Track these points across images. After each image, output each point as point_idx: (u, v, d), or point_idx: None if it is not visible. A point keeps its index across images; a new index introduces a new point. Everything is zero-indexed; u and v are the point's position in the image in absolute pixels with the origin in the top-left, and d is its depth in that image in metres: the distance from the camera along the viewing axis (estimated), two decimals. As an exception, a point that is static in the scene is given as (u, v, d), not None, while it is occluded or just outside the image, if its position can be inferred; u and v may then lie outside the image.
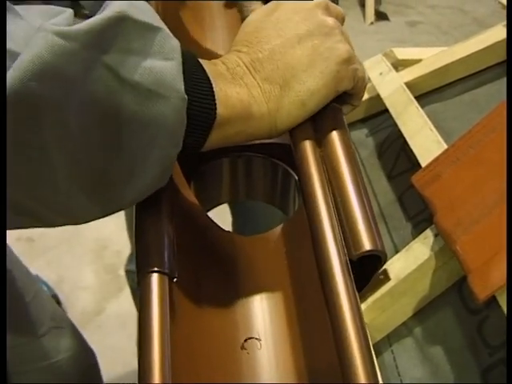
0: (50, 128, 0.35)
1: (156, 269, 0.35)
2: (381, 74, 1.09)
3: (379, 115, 1.11)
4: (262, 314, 0.38)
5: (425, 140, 0.86)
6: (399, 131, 0.96)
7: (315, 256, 0.35)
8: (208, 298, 0.38)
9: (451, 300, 0.73)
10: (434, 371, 0.68)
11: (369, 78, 1.13)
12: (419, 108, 0.93)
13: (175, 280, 0.35)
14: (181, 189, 0.42)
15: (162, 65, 0.40)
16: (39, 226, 0.42)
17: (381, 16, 3.60)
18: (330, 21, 0.50)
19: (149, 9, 0.42)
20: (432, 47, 1.16)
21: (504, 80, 0.90)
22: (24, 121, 0.34)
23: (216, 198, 0.52)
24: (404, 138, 0.93)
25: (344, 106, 0.53)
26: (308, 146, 0.44)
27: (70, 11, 0.40)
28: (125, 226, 2.01)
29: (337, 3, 0.91)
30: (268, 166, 0.48)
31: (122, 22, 0.38)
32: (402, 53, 1.13)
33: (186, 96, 0.41)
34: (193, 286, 0.37)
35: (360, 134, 1.11)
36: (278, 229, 0.43)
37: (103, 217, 0.43)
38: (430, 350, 0.70)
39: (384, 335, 0.75)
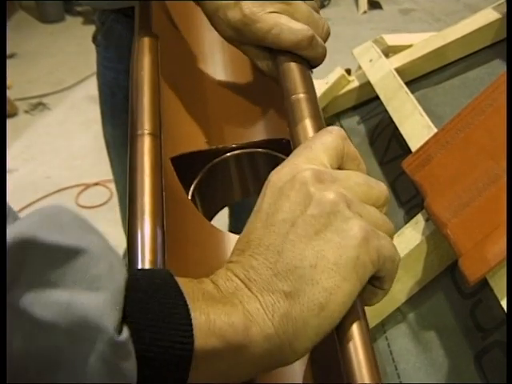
0: None
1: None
2: (371, 60, 1.08)
3: (370, 102, 1.10)
4: None
5: (415, 125, 0.86)
6: (390, 117, 0.96)
7: None
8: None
9: (444, 284, 0.72)
10: (429, 356, 0.67)
11: (359, 66, 1.13)
12: (409, 93, 0.93)
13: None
14: (175, 192, 0.41)
15: (84, 298, 0.31)
16: None
17: (374, 5, 3.60)
18: (330, 194, 0.39)
19: (72, 219, 0.33)
20: (422, 33, 1.15)
21: (494, 63, 0.90)
22: None
23: (228, 197, 0.51)
24: (395, 124, 0.93)
25: (373, 290, 0.43)
26: None
27: None
28: (120, 221, 2.01)
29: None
30: (274, 160, 0.48)
31: (27, 247, 0.30)
32: (392, 39, 1.13)
33: (125, 335, 0.32)
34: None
35: (351, 122, 1.11)
36: None
37: None
38: (423, 335, 0.70)
39: (378, 321, 0.74)
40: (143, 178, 0.38)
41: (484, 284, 0.63)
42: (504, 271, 0.59)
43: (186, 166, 0.44)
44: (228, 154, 0.46)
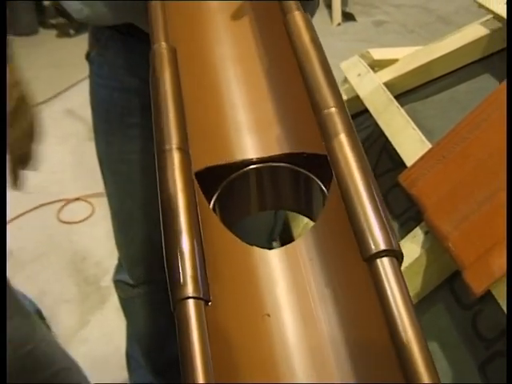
0: None
1: (191, 295, 0.34)
2: (359, 75, 1.10)
3: (358, 116, 1.12)
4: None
5: (408, 139, 0.87)
6: (380, 131, 0.97)
7: (361, 252, 0.34)
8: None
9: (443, 296, 0.74)
10: (431, 367, 0.68)
11: (347, 80, 1.15)
12: (400, 107, 0.94)
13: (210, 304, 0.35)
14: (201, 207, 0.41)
15: None
16: None
17: (348, 17, 3.64)
18: None
19: None
20: (406, 47, 1.17)
21: (483, 77, 0.92)
22: None
23: (245, 210, 0.51)
24: (385, 138, 0.94)
25: None
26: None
27: None
28: (102, 236, 2.00)
29: (318, 5, 0.92)
30: (291, 174, 0.48)
31: None
32: (378, 53, 1.14)
33: None
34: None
35: (341, 136, 1.12)
36: (303, 238, 0.42)
37: None
38: (425, 347, 0.71)
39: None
40: (176, 194, 0.38)
41: (484, 294, 0.64)
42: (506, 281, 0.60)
43: (207, 179, 0.44)
44: (248, 168, 0.46)
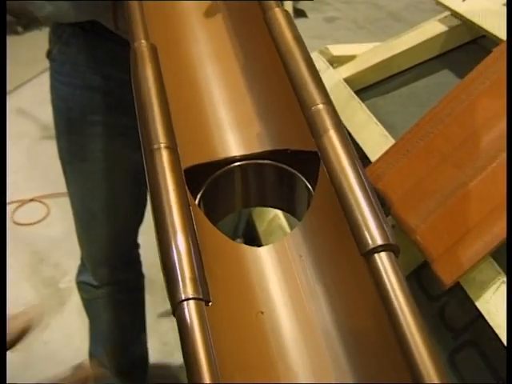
0: None
1: (191, 296, 0.33)
2: (319, 71, 1.11)
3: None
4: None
5: (371, 134, 0.88)
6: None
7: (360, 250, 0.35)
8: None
9: (410, 288, 0.75)
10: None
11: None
12: (361, 103, 0.95)
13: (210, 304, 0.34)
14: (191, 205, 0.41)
15: None
16: None
17: (299, 13, 3.66)
18: None
19: None
20: (364, 43, 1.19)
21: (442, 73, 0.94)
22: None
23: (229, 208, 0.51)
24: (348, 133, 0.95)
25: None
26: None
27: None
28: (59, 237, 1.96)
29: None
30: (274, 171, 0.48)
31: None
32: (337, 49, 1.15)
33: None
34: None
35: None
36: (291, 235, 0.42)
37: None
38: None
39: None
40: (168, 194, 0.37)
41: (452, 286, 0.65)
42: (476, 273, 0.62)
43: (191, 177, 0.44)
44: (232, 165, 0.46)
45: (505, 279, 0.61)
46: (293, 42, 0.47)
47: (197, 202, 0.44)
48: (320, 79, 0.45)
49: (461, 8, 0.90)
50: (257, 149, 0.46)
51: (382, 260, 0.34)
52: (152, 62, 0.45)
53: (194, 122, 0.47)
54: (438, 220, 0.67)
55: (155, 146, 0.40)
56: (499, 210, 0.62)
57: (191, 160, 0.44)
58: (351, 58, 1.13)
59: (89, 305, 1.24)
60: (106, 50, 0.90)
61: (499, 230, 0.61)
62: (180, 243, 0.35)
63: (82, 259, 1.18)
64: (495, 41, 0.83)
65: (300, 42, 0.47)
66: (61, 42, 0.92)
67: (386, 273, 0.34)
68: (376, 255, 0.34)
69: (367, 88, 1.06)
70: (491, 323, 0.59)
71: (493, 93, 0.71)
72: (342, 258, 0.39)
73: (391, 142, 0.83)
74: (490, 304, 0.61)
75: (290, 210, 0.52)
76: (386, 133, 0.87)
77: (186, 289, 0.34)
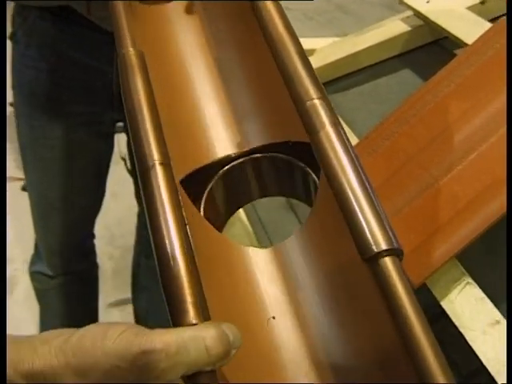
0: None
1: (194, 322, 0.33)
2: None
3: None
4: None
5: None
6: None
7: (358, 249, 0.34)
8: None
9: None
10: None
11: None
12: (323, 99, 0.95)
13: None
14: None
15: None
16: None
17: (249, 2, 3.64)
18: None
19: None
20: (322, 38, 1.19)
21: (403, 72, 0.95)
22: None
23: (234, 206, 0.50)
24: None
25: None
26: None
27: None
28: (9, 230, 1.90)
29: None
30: (286, 163, 0.47)
31: None
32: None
33: None
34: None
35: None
36: (292, 238, 0.42)
37: None
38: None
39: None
40: (165, 213, 0.36)
41: (419, 286, 0.66)
42: (441, 274, 0.63)
43: (192, 183, 0.43)
44: (232, 164, 0.46)
45: (469, 280, 0.63)
46: (285, 34, 0.45)
47: (202, 204, 0.43)
48: (314, 72, 0.43)
49: (424, 8, 0.91)
50: (251, 144, 0.46)
51: (387, 265, 0.33)
52: (141, 72, 0.44)
53: (188, 124, 0.46)
54: (405, 221, 0.67)
55: (150, 164, 0.39)
56: (465, 211, 0.64)
57: (189, 165, 0.44)
58: (310, 52, 1.13)
59: (42, 295, 1.21)
60: (74, 35, 0.87)
61: (466, 232, 0.62)
62: (181, 268, 0.34)
63: (36, 248, 1.15)
64: (457, 43, 0.85)
65: (292, 34, 0.46)
66: (26, 24, 0.88)
67: (392, 279, 0.33)
68: (380, 260, 0.33)
69: (327, 84, 1.07)
70: (456, 323, 0.61)
71: (458, 95, 0.72)
72: (345, 261, 0.38)
73: (354, 139, 0.84)
74: (455, 304, 0.62)
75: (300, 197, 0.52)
76: (349, 129, 0.87)
77: (188, 315, 0.33)
